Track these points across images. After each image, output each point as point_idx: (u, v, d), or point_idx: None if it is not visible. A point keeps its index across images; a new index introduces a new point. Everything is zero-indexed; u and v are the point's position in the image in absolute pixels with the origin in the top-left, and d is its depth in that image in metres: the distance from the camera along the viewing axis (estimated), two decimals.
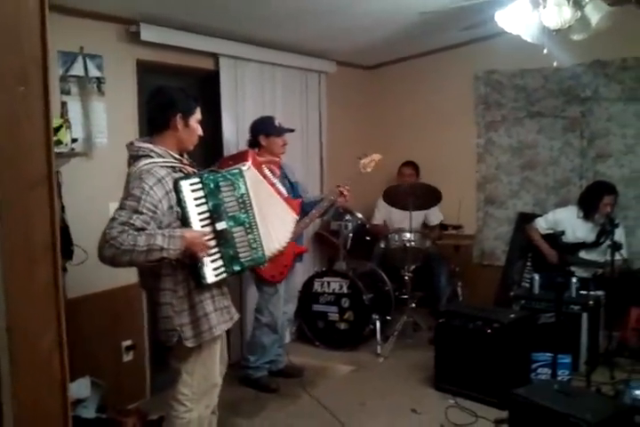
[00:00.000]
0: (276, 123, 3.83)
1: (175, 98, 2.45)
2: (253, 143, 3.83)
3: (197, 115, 2.51)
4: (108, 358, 3.50)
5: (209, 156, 3.93)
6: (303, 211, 3.82)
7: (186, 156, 2.51)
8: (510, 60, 5.02)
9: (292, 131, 3.96)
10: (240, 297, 4.26)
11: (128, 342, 3.62)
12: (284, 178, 3.85)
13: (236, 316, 2.62)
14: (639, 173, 4.78)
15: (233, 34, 4.09)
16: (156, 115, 2.45)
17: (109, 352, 3.52)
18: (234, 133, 4.21)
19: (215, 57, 4.11)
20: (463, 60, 5.37)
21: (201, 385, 2.50)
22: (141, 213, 2.19)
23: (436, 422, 3.31)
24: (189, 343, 2.39)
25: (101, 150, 3.44)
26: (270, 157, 3.31)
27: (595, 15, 2.98)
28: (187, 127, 2.45)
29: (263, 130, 3.80)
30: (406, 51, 5.47)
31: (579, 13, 2.91)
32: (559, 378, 3.61)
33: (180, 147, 2.47)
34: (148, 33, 3.57)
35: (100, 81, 3.42)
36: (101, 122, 3.44)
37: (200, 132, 2.53)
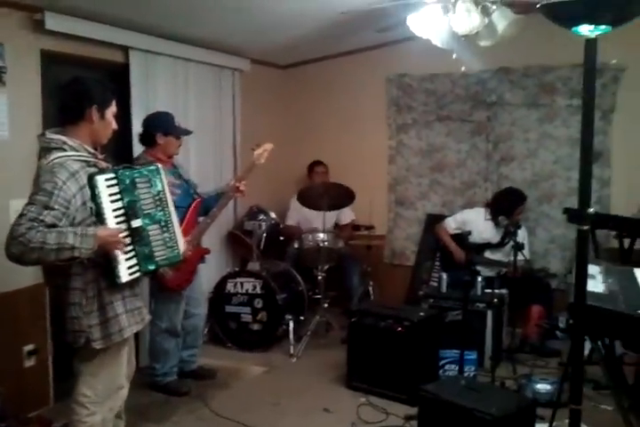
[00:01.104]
0: (176, 122, 3.68)
1: (92, 88, 2.37)
2: (147, 140, 3.65)
3: (113, 107, 2.43)
4: (7, 364, 3.30)
5: (118, 152, 3.80)
6: (204, 209, 3.73)
7: (99, 150, 2.42)
8: (421, 64, 5.14)
9: (189, 133, 3.81)
10: (150, 299, 4.13)
11: (30, 347, 3.43)
12: (179, 178, 3.73)
13: (148, 317, 2.56)
14: (540, 177, 5.01)
15: (145, 26, 3.97)
16: (71, 105, 2.34)
17: (9, 357, 3.32)
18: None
19: (125, 50, 3.99)
20: (376, 63, 5.46)
21: (105, 388, 2.42)
22: (52, 209, 2.09)
23: (348, 421, 3.33)
24: (97, 345, 2.31)
25: (1, 145, 3.25)
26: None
27: (501, 22, 3.10)
28: (102, 119, 2.37)
29: (162, 128, 3.60)
30: (321, 51, 5.50)
31: (486, 20, 3.02)
32: (466, 374, 3.73)
33: (93, 140, 2.38)
34: (53, 22, 3.40)
35: (0, 70, 3.23)
36: (1, 114, 3.25)
37: (115, 125, 2.45)
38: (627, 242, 3.86)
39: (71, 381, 2.47)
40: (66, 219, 2.13)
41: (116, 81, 4.03)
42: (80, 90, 2.36)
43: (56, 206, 2.10)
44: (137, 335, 2.52)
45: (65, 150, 2.23)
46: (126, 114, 3.97)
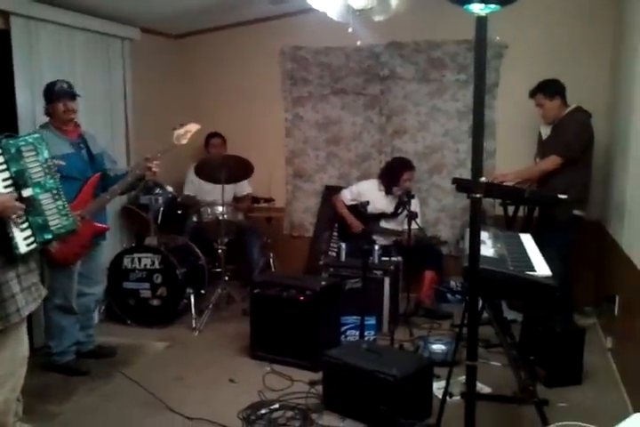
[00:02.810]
0: (57, 87, 3.54)
1: None
2: (46, 111, 3.59)
3: None
4: None
5: (1, 124, 3.60)
6: (106, 185, 3.65)
7: None
8: (316, 37, 5.18)
9: (71, 94, 3.59)
10: (41, 275, 3.98)
11: None
12: (82, 149, 3.63)
13: (44, 292, 2.50)
14: (431, 149, 5.22)
15: None
16: None
17: None
18: (29, 100, 3.88)
19: (6, 15, 3.74)
20: (271, 35, 5.43)
21: (6, 367, 2.35)
22: None
23: (255, 390, 3.39)
24: None
25: None
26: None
27: None
28: None
29: (46, 96, 3.56)
30: (214, 21, 5.40)
31: None
32: (366, 338, 3.89)
33: None
34: None
35: None
36: None
37: None
38: (511, 209, 4.13)
39: None
40: None
41: None
42: None
43: None
44: (30, 314, 2.44)
45: None
46: (9, 84, 3.75)
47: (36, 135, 2.38)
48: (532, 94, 4.21)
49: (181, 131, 3.79)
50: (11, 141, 2.25)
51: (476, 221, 1.98)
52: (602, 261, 4.40)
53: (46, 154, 2.38)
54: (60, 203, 2.41)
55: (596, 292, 4.59)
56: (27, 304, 2.33)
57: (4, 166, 2.21)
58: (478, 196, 1.95)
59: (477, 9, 1.97)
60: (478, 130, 1.97)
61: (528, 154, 4.51)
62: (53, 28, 4.10)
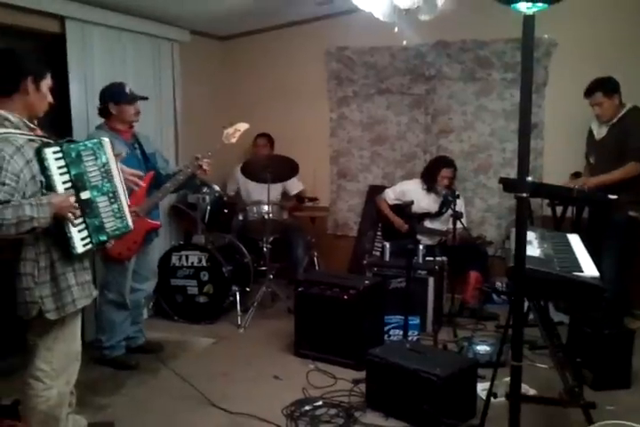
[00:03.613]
0: (127, 89, 3.65)
1: (26, 59, 2.35)
2: (103, 111, 3.65)
3: (48, 80, 2.41)
4: None
5: (56, 126, 3.71)
6: (160, 183, 3.74)
7: (35, 123, 2.39)
8: (361, 37, 5.19)
9: (144, 98, 3.78)
10: (94, 274, 4.10)
11: None
12: (136, 149, 3.73)
13: (95, 293, 2.57)
14: (477, 148, 5.18)
15: None
16: (4, 77, 2.30)
17: None
18: (83, 102, 4.02)
19: (61, 19, 3.88)
20: (316, 36, 5.47)
21: (61, 361, 2.43)
22: (4, 184, 2.08)
23: (299, 387, 3.42)
24: (51, 316, 2.31)
25: None
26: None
27: None
28: (38, 92, 2.34)
29: (113, 97, 3.60)
30: (261, 23, 5.47)
31: None
32: (409, 338, 3.89)
33: (29, 112, 2.35)
34: None
35: None
36: None
37: (50, 98, 2.43)
38: (559, 210, 4.06)
39: (12, 358, 2.47)
40: (17, 194, 2.13)
41: (51, 52, 3.92)
42: (12, 62, 2.33)
43: (7, 181, 2.09)
44: (82, 309, 2.53)
45: (6, 127, 2.21)
46: (64, 87, 3.88)
47: (95, 141, 2.45)
48: (590, 93, 4.04)
49: (230, 130, 3.85)
50: (72, 146, 2.33)
51: (523, 220, 1.98)
52: None
53: (104, 159, 2.45)
54: (115, 206, 2.49)
55: None
56: (80, 298, 2.40)
57: (65, 169, 2.28)
58: (524, 195, 1.94)
59: (524, 8, 1.97)
60: (525, 129, 1.96)
61: (576, 153, 4.43)
62: (106, 30, 4.23)
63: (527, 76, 1.90)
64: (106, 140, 2.52)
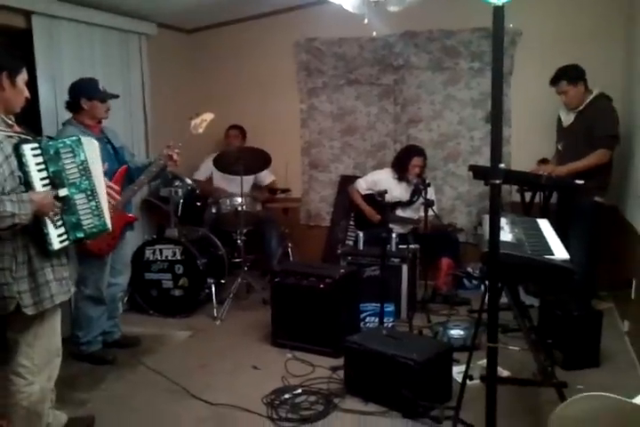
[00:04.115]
0: (101, 87, 3.64)
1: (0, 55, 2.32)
2: (73, 106, 3.62)
3: (24, 74, 2.40)
4: None
5: (24, 122, 3.66)
6: (130, 177, 3.72)
7: (12, 118, 2.38)
8: (330, 28, 5.21)
9: (116, 97, 3.78)
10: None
11: None
12: (107, 144, 3.71)
13: (73, 289, 2.58)
14: (446, 137, 5.25)
15: None
16: None
17: None
18: (51, 98, 3.98)
19: (27, 14, 3.82)
20: (285, 27, 5.49)
21: (43, 356, 2.44)
22: None
23: (277, 376, 3.46)
24: (29, 311, 2.31)
25: None
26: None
27: None
28: (14, 87, 2.34)
29: (85, 93, 3.58)
30: (228, 15, 5.46)
31: None
32: (385, 325, 3.95)
33: (6, 108, 2.35)
34: None
35: None
36: None
37: (27, 93, 2.42)
38: (528, 196, 4.15)
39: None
40: None
41: (17, 48, 3.86)
42: None
43: None
44: (60, 305, 2.53)
45: None
46: (31, 82, 3.81)
47: (74, 138, 2.45)
48: (555, 81, 4.13)
49: (197, 120, 3.85)
50: (50, 143, 2.34)
51: (496, 206, 2.03)
52: (618, 245, 4.42)
53: (82, 156, 2.46)
54: (93, 204, 2.49)
55: (612, 276, 4.61)
56: (59, 293, 2.40)
57: (43, 166, 2.28)
58: (498, 182, 2.00)
59: None
60: (497, 117, 2.01)
61: (543, 141, 4.53)
62: (73, 25, 4.18)
63: (498, 65, 1.96)
64: (90, 139, 2.54)
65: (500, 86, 1.97)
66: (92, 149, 2.55)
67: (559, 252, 2.47)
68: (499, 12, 1.96)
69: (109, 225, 2.60)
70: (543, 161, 4.38)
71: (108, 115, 3.72)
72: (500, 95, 2.01)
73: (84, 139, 2.52)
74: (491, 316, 2.07)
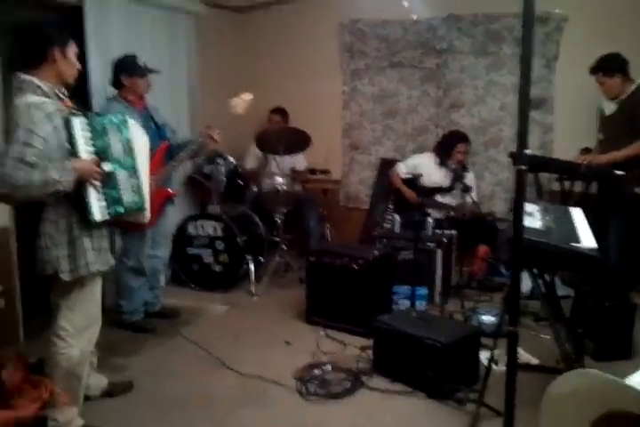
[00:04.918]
0: (140, 62, 3.73)
1: (50, 29, 2.44)
2: (116, 83, 3.74)
3: (74, 47, 2.51)
4: None
5: (74, 96, 3.80)
6: (171, 153, 3.82)
7: (65, 92, 2.49)
8: (373, 9, 5.20)
9: (156, 72, 3.85)
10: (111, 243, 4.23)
11: None
12: (150, 121, 3.82)
13: (112, 261, 2.66)
14: (487, 122, 5.22)
15: None
16: (31, 47, 2.40)
17: None
18: (101, 73, 4.05)
19: None
20: (329, 8, 5.51)
21: (82, 320, 2.57)
22: (32, 147, 2.21)
23: (308, 351, 3.56)
24: (65, 277, 2.44)
25: None
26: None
27: None
28: (65, 59, 2.45)
29: (125, 70, 3.69)
30: None
31: None
32: (417, 308, 3.99)
33: (60, 80, 2.46)
34: None
35: None
36: None
37: (78, 65, 2.53)
38: (568, 185, 4.11)
39: (40, 322, 2.60)
40: (45, 157, 2.24)
41: (69, 24, 3.97)
42: (38, 31, 2.41)
43: (36, 144, 2.21)
44: (103, 274, 2.66)
45: (38, 95, 2.32)
46: (82, 57, 3.94)
47: (122, 118, 2.58)
48: (593, 72, 4.09)
49: (236, 100, 3.84)
50: (98, 119, 2.46)
51: (522, 191, 2.04)
52: None
53: (128, 135, 2.57)
54: (134, 181, 2.59)
55: None
56: (96, 262, 2.51)
57: (91, 140, 2.40)
58: (523, 167, 2.01)
59: None
60: (524, 103, 2.02)
61: (586, 129, 4.46)
62: (123, 2, 4.28)
63: (527, 52, 1.95)
64: (135, 123, 2.66)
65: (527, 73, 1.96)
66: (137, 131, 2.66)
67: (587, 240, 2.48)
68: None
69: (147, 205, 2.70)
70: (586, 150, 4.33)
71: (149, 90, 3.82)
72: (529, 82, 2.00)
73: (131, 120, 2.63)
74: (512, 300, 2.11)
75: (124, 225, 3.68)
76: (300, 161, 5.55)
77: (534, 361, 3.37)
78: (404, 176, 5.07)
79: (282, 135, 4.68)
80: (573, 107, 4.82)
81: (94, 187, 2.40)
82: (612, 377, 1.29)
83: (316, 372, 3.29)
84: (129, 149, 2.56)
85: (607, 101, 4.19)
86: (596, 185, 4.17)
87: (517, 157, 1.99)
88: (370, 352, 3.46)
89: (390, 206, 5.35)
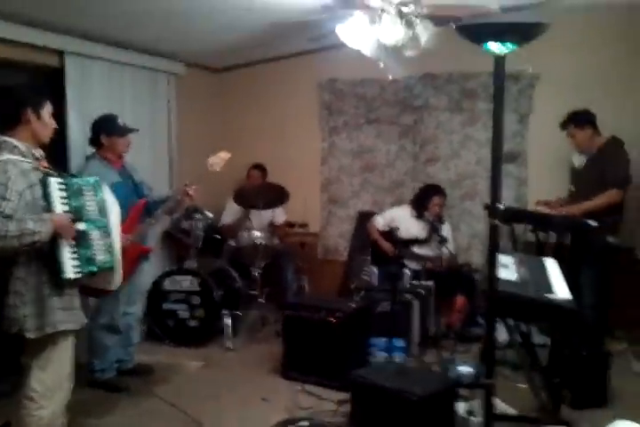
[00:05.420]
0: (120, 122, 3.77)
1: (21, 92, 2.52)
2: (95, 142, 3.76)
3: (49, 107, 2.56)
4: None
5: (54, 155, 3.83)
6: (149, 210, 3.82)
7: (41, 153, 2.52)
8: (351, 69, 5.33)
9: (135, 131, 3.89)
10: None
11: None
12: (129, 179, 3.84)
13: (84, 320, 2.63)
14: (463, 176, 5.33)
15: (80, 31, 4.03)
16: (5, 110, 2.47)
17: None
18: (81, 133, 4.14)
19: (60, 54, 4.03)
20: (308, 68, 5.66)
21: (54, 380, 2.52)
22: (9, 200, 2.25)
23: (285, 407, 3.49)
24: (30, 335, 2.41)
25: None
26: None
27: (424, 34, 3.35)
28: (39, 120, 2.50)
29: (105, 129, 3.72)
30: (254, 56, 5.65)
31: (410, 32, 3.25)
32: (394, 360, 3.96)
33: (35, 140, 2.51)
34: None
35: None
36: None
37: (54, 124, 2.58)
38: (542, 236, 4.17)
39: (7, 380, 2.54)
40: (20, 210, 2.28)
41: (50, 85, 4.05)
42: (11, 95, 2.50)
43: (12, 198, 2.26)
44: (76, 332, 2.62)
45: (14, 154, 2.37)
46: (62, 118, 4.00)
47: (97, 178, 2.65)
48: (564, 126, 4.26)
49: (214, 158, 3.88)
50: (74, 180, 2.52)
51: (495, 244, 2.10)
52: (634, 286, 4.40)
53: (102, 196, 2.62)
54: (107, 240, 2.60)
55: (629, 317, 4.56)
56: (64, 322, 2.48)
57: (66, 200, 2.44)
58: (496, 221, 2.07)
59: (495, 48, 2.10)
60: (496, 158, 2.10)
61: (560, 182, 4.57)
62: (104, 64, 4.40)
63: (498, 111, 2.05)
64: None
65: (499, 131, 2.07)
66: (109, 192, 2.71)
67: (561, 291, 2.51)
68: (500, 61, 2.05)
69: (118, 265, 2.69)
70: (545, 203, 4.41)
71: (129, 149, 3.84)
72: (501, 139, 2.10)
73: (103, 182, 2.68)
74: (488, 352, 2.12)
75: (90, 292, 3.65)
76: (278, 215, 5.58)
77: (512, 411, 3.33)
78: (381, 228, 5.11)
79: (260, 191, 4.75)
80: (546, 160, 4.95)
81: (68, 245, 2.40)
82: None
83: None
84: (103, 210, 2.60)
85: (578, 155, 4.33)
86: (569, 236, 4.24)
87: (490, 212, 2.04)
88: (347, 406, 3.39)
89: (368, 258, 5.36)
